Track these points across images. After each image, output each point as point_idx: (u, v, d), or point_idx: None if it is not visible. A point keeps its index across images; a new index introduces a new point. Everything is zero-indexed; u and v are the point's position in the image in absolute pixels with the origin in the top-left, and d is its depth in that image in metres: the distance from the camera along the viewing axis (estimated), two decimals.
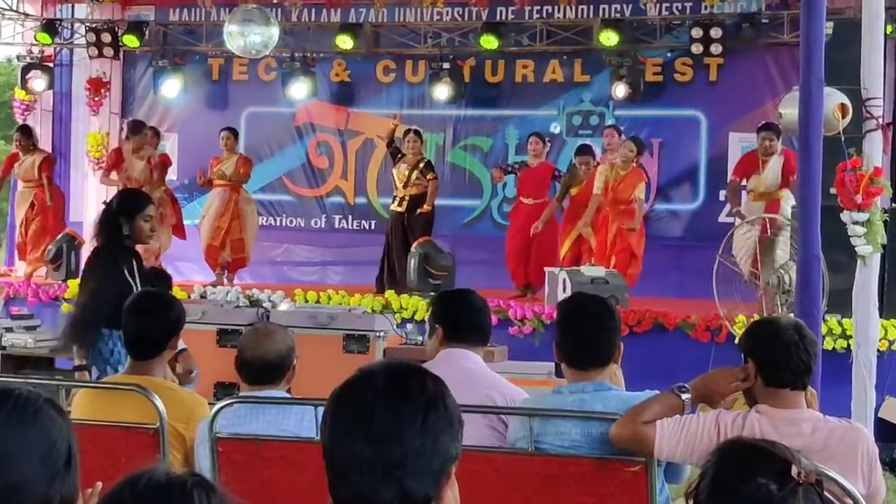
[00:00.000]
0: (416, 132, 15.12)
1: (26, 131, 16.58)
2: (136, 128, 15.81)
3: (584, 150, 14.94)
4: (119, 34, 17.47)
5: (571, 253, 14.40)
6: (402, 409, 2.37)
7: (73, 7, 18.18)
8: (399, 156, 14.95)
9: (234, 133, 15.89)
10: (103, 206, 7.91)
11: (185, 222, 16.44)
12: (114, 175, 15.80)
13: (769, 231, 12.01)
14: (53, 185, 16.50)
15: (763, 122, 13.72)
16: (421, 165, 14.84)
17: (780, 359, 4.33)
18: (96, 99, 18.16)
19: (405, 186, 14.83)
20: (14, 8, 18.10)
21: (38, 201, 16.14)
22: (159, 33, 18.16)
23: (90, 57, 17.85)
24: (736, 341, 11.42)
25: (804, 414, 4.32)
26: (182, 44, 18.11)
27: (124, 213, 7.12)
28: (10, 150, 16.63)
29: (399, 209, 14.89)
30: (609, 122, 16.16)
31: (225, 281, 15.13)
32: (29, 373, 10.74)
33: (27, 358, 11.31)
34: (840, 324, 11.12)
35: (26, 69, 18.03)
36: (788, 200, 13.19)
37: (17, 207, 16.65)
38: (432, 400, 2.41)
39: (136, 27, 17.53)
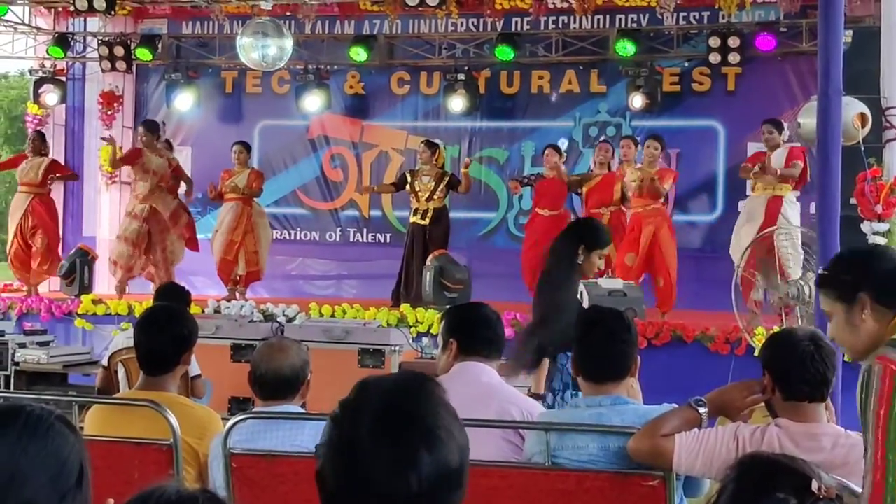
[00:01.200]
0: (426, 142, 15.06)
1: (42, 136, 16.55)
2: (151, 126, 15.76)
3: (603, 141, 15.02)
4: (132, 48, 17.49)
5: None
6: (404, 474, 2.25)
7: (85, 21, 18.21)
8: (408, 177, 14.90)
9: (246, 147, 15.86)
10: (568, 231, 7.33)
11: (199, 236, 16.39)
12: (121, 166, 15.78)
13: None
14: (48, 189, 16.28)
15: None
16: (447, 179, 14.76)
17: (796, 371, 4.27)
18: (109, 113, 18.22)
19: (429, 199, 14.76)
20: (26, 22, 18.13)
21: (34, 211, 15.93)
22: (172, 46, 18.18)
23: (103, 71, 17.89)
24: (756, 354, 11.39)
25: (825, 428, 4.25)
26: (195, 57, 18.13)
27: (587, 244, 6.98)
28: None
29: (422, 222, 14.80)
30: (626, 132, 16.09)
31: (237, 295, 15.05)
32: (42, 389, 10.72)
33: (40, 374, 11.28)
34: None
35: (39, 83, 18.06)
36: (793, 205, 13.12)
37: (10, 215, 16.36)
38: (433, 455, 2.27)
39: (149, 40, 17.54)
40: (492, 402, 4.97)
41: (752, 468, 2.43)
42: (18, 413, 2.43)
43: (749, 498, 2.37)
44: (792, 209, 13.13)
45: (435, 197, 14.74)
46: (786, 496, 2.33)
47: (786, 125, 13.49)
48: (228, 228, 15.57)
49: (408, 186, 14.90)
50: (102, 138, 16.64)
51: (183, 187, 15.93)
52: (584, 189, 14.53)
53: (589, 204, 14.45)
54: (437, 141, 15.35)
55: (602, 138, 15.80)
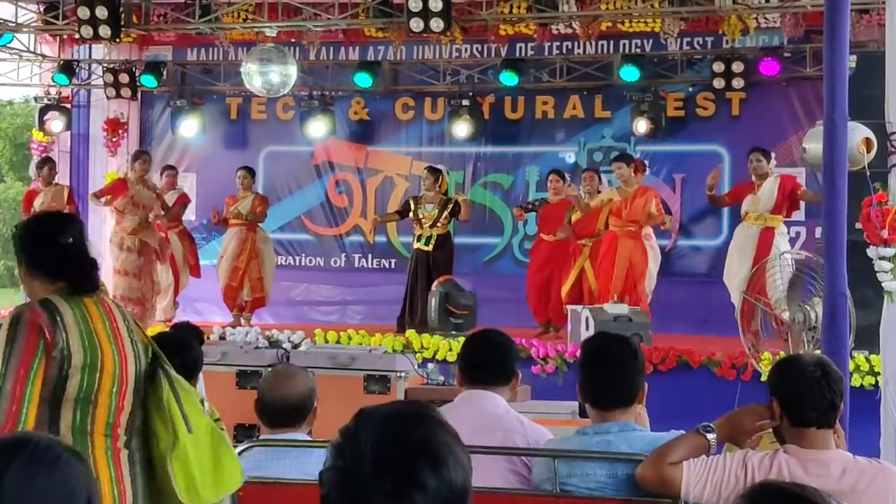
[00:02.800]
0: (429, 168, 15.06)
1: (52, 163, 16.57)
2: (137, 155, 15.82)
3: (587, 170, 14.98)
4: (136, 74, 17.51)
5: (573, 291, 14.19)
6: None
7: (90, 48, 18.23)
8: (411, 204, 14.90)
9: (250, 171, 15.86)
10: None
11: (203, 262, 16.40)
12: (104, 200, 15.74)
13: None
14: None
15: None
16: (450, 207, 14.73)
17: (803, 397, 4.25)
18: (114, 140, 18.22)
19: (432, 226, 14.75)
20: (32, 49, 18.17)
21: None
22: (177, 73, 18.21)
23: (108, 98, 17.91)
24: (762, 379, 11.35)
25: (833, 455, 4.22)
26: (200, 83, 18.15)
27: None
28: (24, 191, 16.45)
29: (426, 248, 14.79)
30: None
31: (242, 321, 15.03)
32: None
33: None
34: (868, 360, 11.01)
35: (44, 110, 18.10)
36: (784, 237, 13.18)
37: None
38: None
39: (154, 67, 17.57)
40: (496, 431, 4.93)
41: (763, 497, 2.42)
42: (26, 444, 2.43)
43: None
44: (784, 241, 13.18)
45: (438, 224, 14.73)
46: None
47: (773, 155, 13.55)
48: (233, 254, 15.57)
49: (411, 213, 14.88)
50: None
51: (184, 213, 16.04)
52: (576, 217, 14.45)
53: (577, 234, 14.42)
54: (440, 167, 15.33)
55: (585, 167, 15.75)
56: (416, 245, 14.95)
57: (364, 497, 2.15)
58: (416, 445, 2.19)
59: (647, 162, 15.48)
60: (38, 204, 16.00)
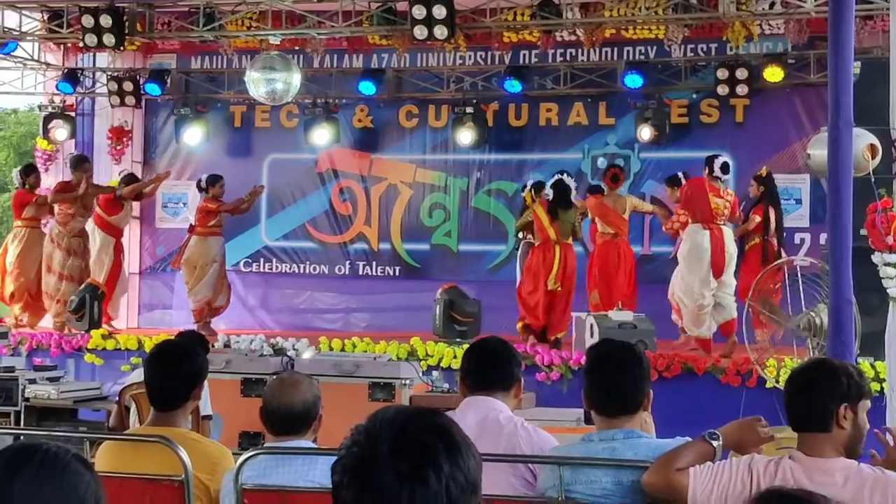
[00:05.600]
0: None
1: (38, 171, 16.84)
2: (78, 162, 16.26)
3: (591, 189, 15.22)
4: (141, 82, 17.53)
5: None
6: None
7: (94, 56, 18.25)
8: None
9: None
10: None
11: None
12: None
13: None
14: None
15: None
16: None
17: (794, 400, 4.25)
18: (118, 148, 18.26)
19: None
20: (36, 58, 18.18)
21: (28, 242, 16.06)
22: (181, 81, 18.23)
23: (112, 106, 17.93)
24: (767, 385, 11.36)
25: (837, 463, 4.19)
26: (204, 91, 18.17)
27: None
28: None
29: None
30: (635, 164, 16.11)
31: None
32: (52, 424, 10.72)
33: (50, 409, 11.27)
34: (873, 367, 10.99)
35: (48, 119, 18.10)
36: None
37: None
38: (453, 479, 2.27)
39: (158, 75, 17.57)
40: (500, 437, 4.92)
41: (771, 503, 2.41)
42: (34, 452, 2.43)
43: None
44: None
45: None
46: None
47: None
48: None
49: None
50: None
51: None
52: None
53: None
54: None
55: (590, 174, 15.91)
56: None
57: (379, 479, 2.16)
58: (432, 428, 2.21)
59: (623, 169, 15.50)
60: (27, 212, 16.13)
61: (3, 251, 16.27)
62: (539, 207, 14.24)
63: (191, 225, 16.24)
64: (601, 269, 14.30)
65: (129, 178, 16.60)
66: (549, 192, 14.27)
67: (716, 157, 13.67)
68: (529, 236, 14.69)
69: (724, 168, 13.56)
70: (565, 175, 14.41)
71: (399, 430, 2.19)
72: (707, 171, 13.54)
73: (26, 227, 16.08)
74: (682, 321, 13.66)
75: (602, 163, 16.54)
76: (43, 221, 16.38)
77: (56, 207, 15.81)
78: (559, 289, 14.03)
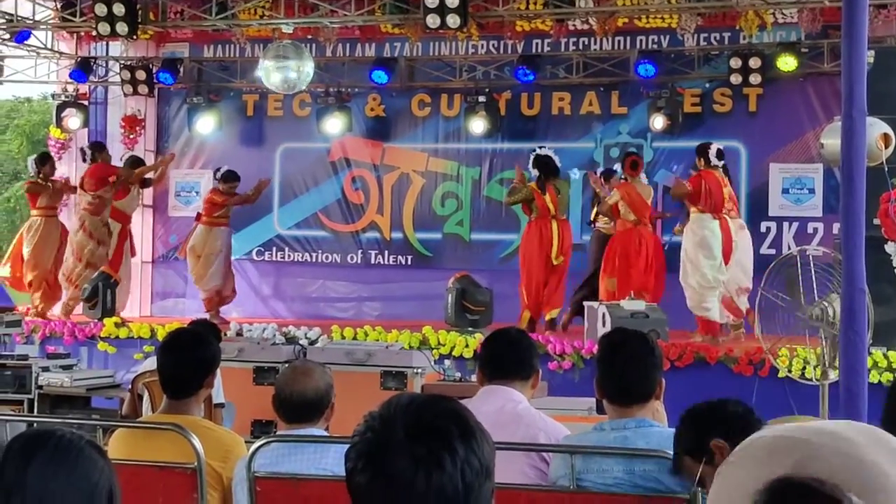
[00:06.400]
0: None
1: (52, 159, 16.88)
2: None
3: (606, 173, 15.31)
4: (153, 71, 17.54)
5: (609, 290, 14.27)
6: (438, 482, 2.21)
7: (107, 45, 18.26)
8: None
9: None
10: None
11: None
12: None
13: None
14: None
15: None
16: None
17: None
18: (131, 136, 18.27)
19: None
20: (49, 47, 18.20)
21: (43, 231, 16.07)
22: (193, 70, 18.24)
23: (125, 95, 17.94)
24: (779, 375, 11.34)
25: None
26: (217, 80, 18.17)
27: None
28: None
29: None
30: (647, 153, 16.08)
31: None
32: (65, 412, 10.73)
33: (63, 397, 11.29)
34: (886, 356, 10.99)
35: (61, 107, 18.11)
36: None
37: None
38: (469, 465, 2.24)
39: (171, 64, 17.59)
40: (517, 426, 4.92)
41: (782, 492, 2.40)
42: (49, 438, 2.44)
43: None
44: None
45: None
46: None
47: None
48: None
49: None
50: None
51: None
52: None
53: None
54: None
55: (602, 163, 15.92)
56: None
57: (394, 463, 2.17)
58: (447, 414, 2.23)
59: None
60: (41, 201, 16.15)
61: (19, 241, 16.29)
62: (534, 185, 14.33)
63: (198, 213, 16.28)
64: (621, 256, 14.20)
65: (133, 161, 16.59)
66: (533, 171, 14.35)
67: (708, 145, 13.65)
68: (604, 220, 14.79)
69: (719, 155, 13.57)
70: (542, 149, 14.49)
71: (414, 415, 2.20)
72: (703, 161, 13.51)
73: (42, 216, 16.09)
74: (688, 304, 13.57)
75: (614, 152, 16.52)
76: (58, 210, 16.41)
77: (86, 197, 15.73)
78: (562, 262, 14.09)
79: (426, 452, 2.15)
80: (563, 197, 14.23)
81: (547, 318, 14.20)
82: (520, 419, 5.00)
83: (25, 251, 15.97)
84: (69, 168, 17.72)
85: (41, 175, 16.18)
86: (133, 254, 16.59)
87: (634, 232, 14.19)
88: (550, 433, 4.99)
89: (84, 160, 16.59)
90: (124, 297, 16.10)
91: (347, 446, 2.25)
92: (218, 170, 16.42)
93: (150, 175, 16.84)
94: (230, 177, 16.05)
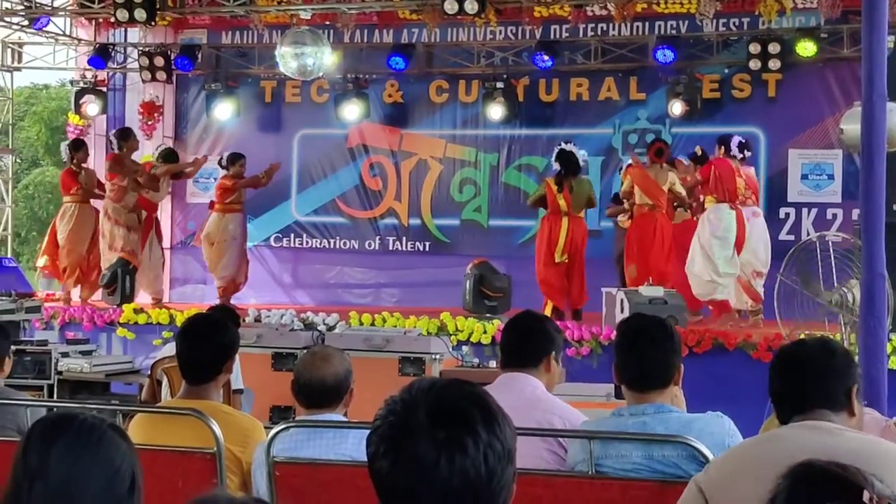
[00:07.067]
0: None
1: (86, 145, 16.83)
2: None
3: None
4: (172, 58, 17.55)
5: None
6: (461, 465, 2.19)
7: (125, 32, 18.28)
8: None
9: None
10: None
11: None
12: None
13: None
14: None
15: None
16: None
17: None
18: (149, 123, 18.29)
19: None
20: (67, 33, 18.23)
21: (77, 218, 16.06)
22: (212, 56, 18.25)
23: (143, 81, 17.96)
24: None
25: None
26: (235, 66, 18.19)
27: None
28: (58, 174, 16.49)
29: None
30: (666, 139, 16.01)
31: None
32: (84, 397, 10.77)
33: (83, 383, 11.33)
34: None
35: (80, 94, 18.15)
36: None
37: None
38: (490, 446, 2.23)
39: (189, 50, 17.60)
40: (534, 412, 4.91)
41: (804, 477, 2.40)
42: (72, 421, 2.44)
43: None
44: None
45: None
46: None
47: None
48: None
49: None
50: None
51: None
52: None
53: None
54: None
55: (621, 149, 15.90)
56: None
57: (416, 446, 2.17)
58: (469, 397, 2.23)
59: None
60: (75, 188, 16.09)
61: (53, 228, 16.30)
62: (551, 179, 14.28)
63: (211, 201, 16.29)
64: (638, 242, 14.18)
65: (168, 154, 16.57)
66: (555, 165, 14.29)
67: (730, 136, 13.60)
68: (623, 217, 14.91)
69: (741, 147, 13.52)
70: (567, 145, 14.42)
71: (436, 399, 2.20)
72: (723, 150, 13.47)
73: (75, 202, 16.06)
74: (693, 291, 13.52)
75: (633, 138, 16.50)
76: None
77: (107, 184, 15.74)
78: (566, 260, 14.04)
79: (448, 436, 2.15)
80: (579, 195, 14.14)
81: (573, 311, 14.17)
82: (535, 404, 4.99)
83: (60, 238, 15.96)
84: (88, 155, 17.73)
85: (74, 161, 16.14)
86: (160, 241, 16.58)
87: (650, 217, 14.14)
88: (566, 418, 4.98)
89: (111, 148, 16.53)
90: (157, 283, 16.12)
91: (366, 431, 2.25)
92: (221, 157, 16.36)
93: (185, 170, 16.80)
94: (236, 158, 16.02)
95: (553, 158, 14.37)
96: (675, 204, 14.47)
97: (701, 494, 3.63)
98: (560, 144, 14.54)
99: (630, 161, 14.82)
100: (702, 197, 13.81)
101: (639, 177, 14.26)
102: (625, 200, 14.76)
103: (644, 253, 14.07)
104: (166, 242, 17.96)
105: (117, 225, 15.50)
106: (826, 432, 3.59)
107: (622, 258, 14.49)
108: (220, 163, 16.40)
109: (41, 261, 16.38)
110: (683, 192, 14.27)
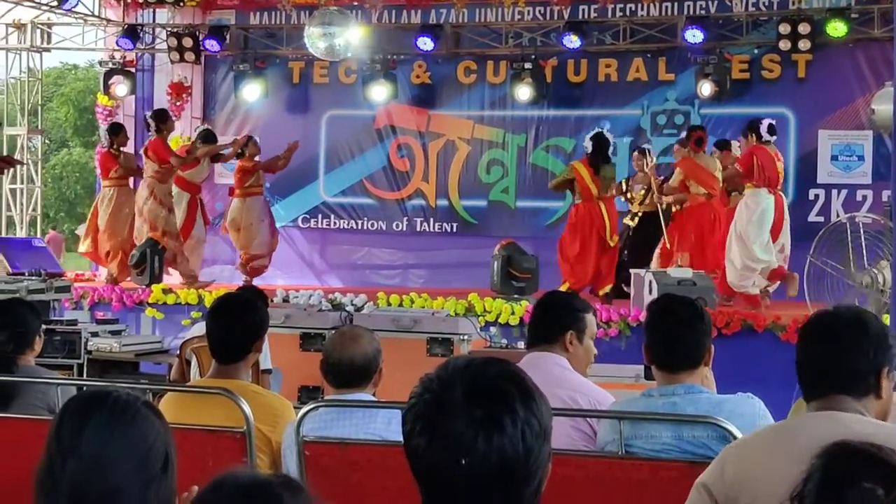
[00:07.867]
0: (640, 150, 15.23)
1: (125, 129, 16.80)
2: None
3: (636, 150, 15.50)
4: (200, 38, 17.57)
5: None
6: (499, 443, 2.18)
7: (154, 12, 18.34)
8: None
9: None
10: None
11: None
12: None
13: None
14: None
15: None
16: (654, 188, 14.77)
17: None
18: (178, 104, 18.32)
19: (640, 204, 15.18)
20: (96, 14, 18.27)
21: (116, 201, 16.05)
22: (240, 37, 18.27)
23: (171, 62, 17.99)
24: None
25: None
26: (263, 47, 18.20)
27: None
28: (89, 155, 16.52)
29: (630, 223, 15.26)
30: (695, 120, 15.94)
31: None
32: (114, 377, 10.80)
33: (112, 362, 11.37)
34: None
35: (108, 74, 18.18)
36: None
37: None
38: (528, 423, 2.21)
39: (217, 31, 17.63)
40: (558, 390, 4.92)
41: (839, 457, 2.39)
42: (105, 399, 2.45)
43: (836, 487, 2.33)
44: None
45: (645, 204, 15.11)
46: (873, 486, 2.28)
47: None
48: None
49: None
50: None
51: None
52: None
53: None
54: (646, 146, 15.35)
55: (635, 148, 15.80)
56: (625, 220, 15.32)
57: (452, 423, 2.16)
58: (506, 375, 2.22)
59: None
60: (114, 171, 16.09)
61: (94, 212, 16.32)
62: (580, 164, 14.22)
63: (230, 187, 16.30)
64: (696, 232, 14.09)
65: (206, 134, 16.49)
66: (588, 144, 14.22)
67: (759, 121, 13.47)
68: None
69: (771, 130, 13.41)
70: (605, 130, 14.40)
71: (473, 377, 2.19)
72: (755, 136, 13.33)
73: (114, 185, 16.05)
74: (727, 278, 13.45)
75: (661, 119, 16.46)
76: (130, 178, 16.40)
77: (153, 165, 15.62)
78: (616, 241, 14.06)
79: (486, 414, 2.15)
80: (605, 178, 14.11)
81: (601, 293, 14.12)
82: (560, 383, 5.01)
83: (101, 222, 15.96)
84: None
85: (114, 145, 16.14)
86: (206, 222, 16.62)
87: (707, 206, 14.07)
88: (592, 396, 5.01)
89: (148, 130, 16.47)
90: (197, 262, 16.16)
91: (395, 412, 2.26)
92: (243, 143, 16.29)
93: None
94: (248, 139, 16.09)
95: (589, 137, 14.28)
96: (729, 189, 14.37)
97: (709, 495, 3.56)
98: (596, 128, 14.53)
99: (647, 171, 14.80)
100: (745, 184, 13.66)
101: (691, 168, 14.17)
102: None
103: (701, 243, 14.01)
104: None
105: (162, 206, 15.47)
106: (842, 426, 3.32)
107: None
108: (241, 155, 16.37)
109: (83, 246, 16.43)
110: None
